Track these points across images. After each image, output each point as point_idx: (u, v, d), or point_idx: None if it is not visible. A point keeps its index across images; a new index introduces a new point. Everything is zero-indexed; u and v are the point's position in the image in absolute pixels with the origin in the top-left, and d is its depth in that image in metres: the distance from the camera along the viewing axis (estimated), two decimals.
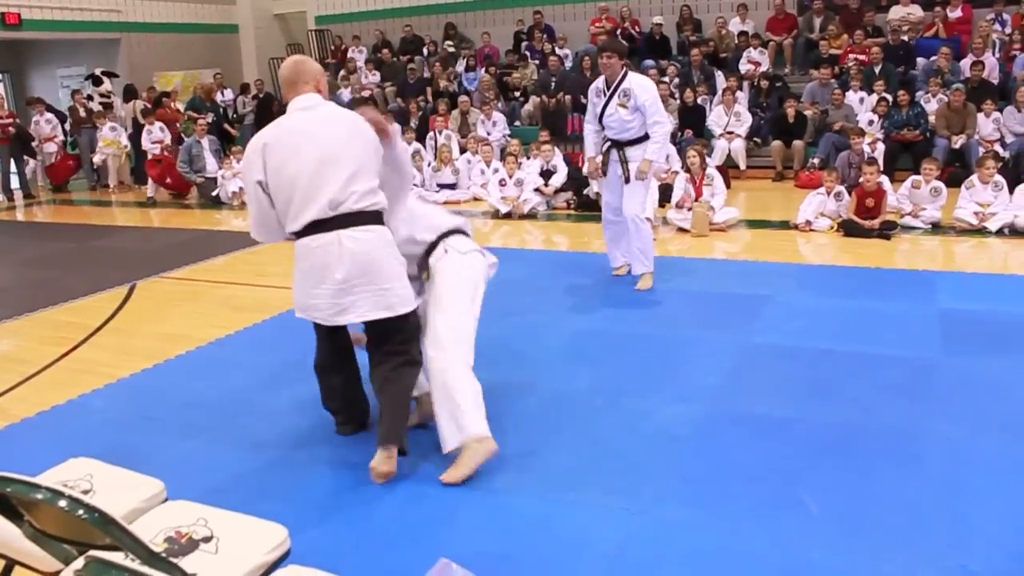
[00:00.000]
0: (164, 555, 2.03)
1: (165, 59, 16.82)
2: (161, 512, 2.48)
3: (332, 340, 3.80)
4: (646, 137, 6.10)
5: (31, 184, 13.73)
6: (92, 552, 1.82)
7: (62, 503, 1.90)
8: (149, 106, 13.98)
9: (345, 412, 3.97)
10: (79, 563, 1.76)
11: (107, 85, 15.19)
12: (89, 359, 5.45)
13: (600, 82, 6.25)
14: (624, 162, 6.21)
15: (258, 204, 3.50)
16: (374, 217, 3.46)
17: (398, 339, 3.57)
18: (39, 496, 1.93)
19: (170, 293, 7.12)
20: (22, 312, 6.59)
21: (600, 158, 6.38)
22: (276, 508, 2.88)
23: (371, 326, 3.56)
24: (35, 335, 6.05)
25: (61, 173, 14.00)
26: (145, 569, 1.66)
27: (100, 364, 5.28)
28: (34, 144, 13.66)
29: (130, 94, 14.96)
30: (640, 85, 6.07)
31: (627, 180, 6.19)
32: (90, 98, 14.85)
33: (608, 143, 6.29)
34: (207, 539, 2.30)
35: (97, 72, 15.37)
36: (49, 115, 13.87)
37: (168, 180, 12.55)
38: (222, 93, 15.37)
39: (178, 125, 13.87)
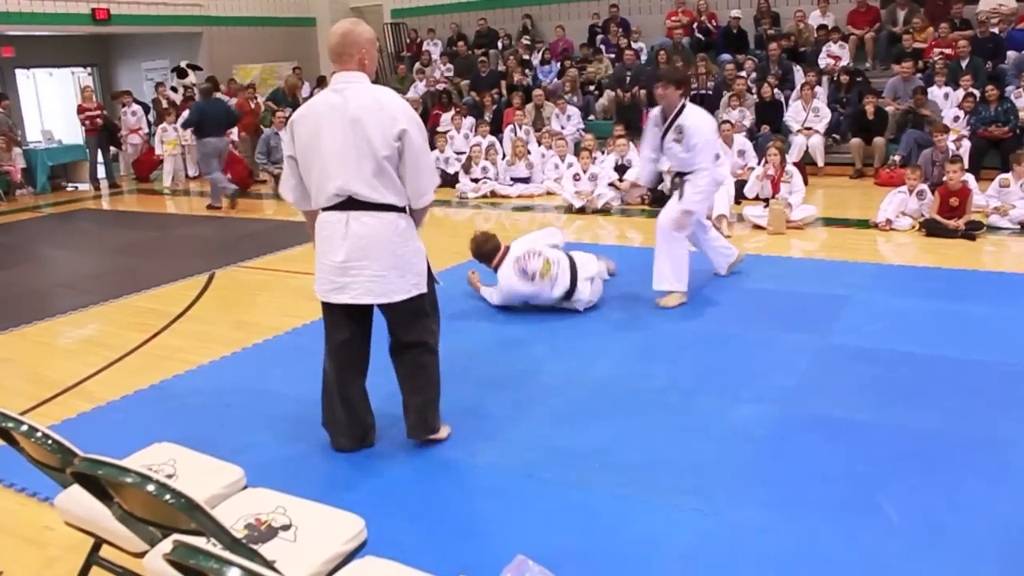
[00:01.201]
0: (245, 541, 2.07)
1: (244, 52, 17.18)
2: (241, 499, 2.53)
3: (350, 346, 3.67)
4: None
5: (115, 174, 14.18)
6: (177, 536, 1.86)
7: (150, 487, 1.95)
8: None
9: (349, 428, 3.78)
10: (166, 546, 1.81)
11: (192, 78, 15.58)
12: (169, 345, 5.59)
13: (657, 111, 5.85)
14: (682, 186, 5.81)
15: (291, 174, 3.61)
16: (386, 206, 3.46)
17: (401, 329, 3.64)
18: (128, 480, 1.99)
19: (247, 282, 7.27)
20: (107, 298, 6.80)
21: (644, 184, 6.50)
22: (351, 498, 2.93)
23: (381, 310, 3.62)
24: (119, 321, 6.24)
25: (146, 167, 14.43)
26: (228, 555, 1.69)
27: (180, 351, 5.42)
28: (120, 135, 14.11)
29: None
30: (695, 125, 5.62)
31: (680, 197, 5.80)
32: (175, 90, 15.25)
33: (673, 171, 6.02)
34: (286, 527, 2.34)
35: (183, 65, 15.78)
36: (136, 107, 14.31)
37: (229, 175, 12.69)
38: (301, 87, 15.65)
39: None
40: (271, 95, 15.28)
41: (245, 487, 2.64)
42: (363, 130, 3.34)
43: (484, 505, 3.33)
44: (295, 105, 14.72)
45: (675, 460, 3.62)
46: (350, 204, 3.42)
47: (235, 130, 13.18)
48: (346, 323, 3.63)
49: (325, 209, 3.50)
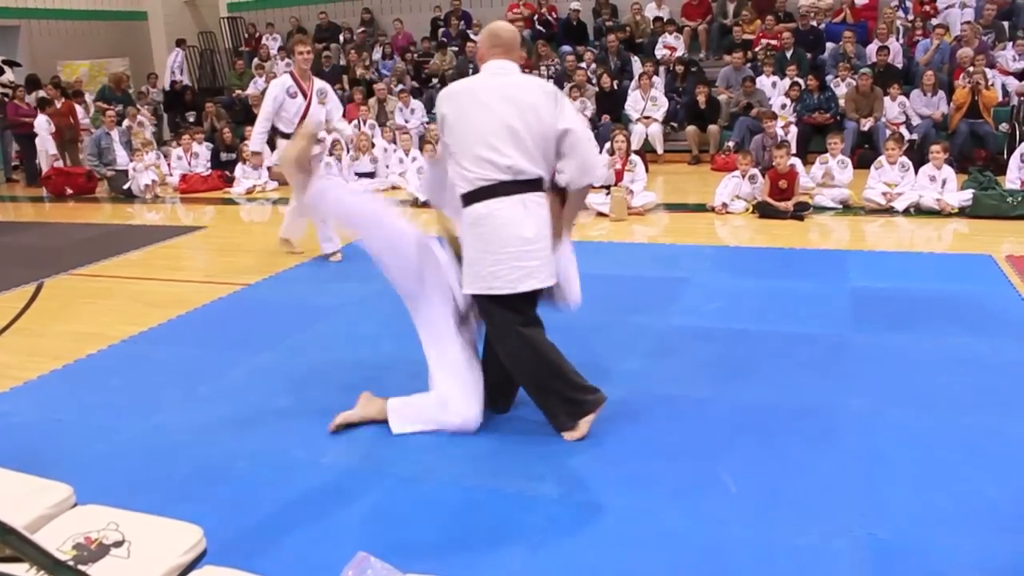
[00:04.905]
0: (72, 563, 1.97)
1: (70, 47, 16.23)
2: (69, 518, 2.40)
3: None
4: None
5: None
6: None
7: None
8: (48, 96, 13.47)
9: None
10: None
11: (9, 75, 14.58)
12: None
13: None
14: None
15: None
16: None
17: None
18: None
19: (81, 291, 6.89)
20: None
21: None
22: (192, 508, 2.83)
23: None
24: None
25: None
26: None
27: (5, 367, 5.08)
28: None
29: (33, 85, 14.39)
30: None
31: None
32: None
33: None
34: (119, 543, 2.24)
35: None
36: None
37: (68, 190, 11.80)
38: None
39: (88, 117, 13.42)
40: (99, 93, 14.53)
41: (75, 505, 2.52)
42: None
43: (331, 505, 3.28)
44: (125, 101, 14.08)
45: (523, 447, 3.66)
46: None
47: (51, 145, 12.24)
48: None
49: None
